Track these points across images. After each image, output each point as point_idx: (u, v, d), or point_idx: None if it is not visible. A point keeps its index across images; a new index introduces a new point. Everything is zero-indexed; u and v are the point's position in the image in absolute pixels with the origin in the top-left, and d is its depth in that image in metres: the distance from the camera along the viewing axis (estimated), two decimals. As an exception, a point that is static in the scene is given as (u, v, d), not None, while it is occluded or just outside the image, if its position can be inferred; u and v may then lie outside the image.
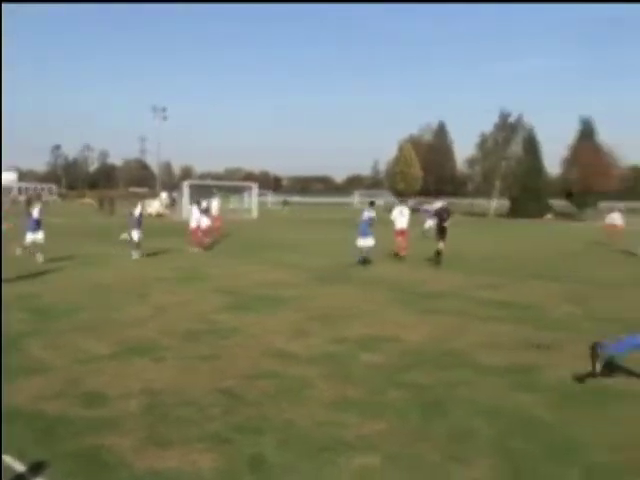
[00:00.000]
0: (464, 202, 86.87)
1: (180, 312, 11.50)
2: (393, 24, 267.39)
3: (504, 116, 78.85)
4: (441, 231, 20.51)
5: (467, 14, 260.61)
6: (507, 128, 78.53)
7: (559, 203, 75.01)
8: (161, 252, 22.10)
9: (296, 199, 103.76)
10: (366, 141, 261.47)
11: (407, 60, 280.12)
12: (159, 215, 53.68)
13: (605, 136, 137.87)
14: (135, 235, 20.81)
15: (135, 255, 20.36)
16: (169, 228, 35.31)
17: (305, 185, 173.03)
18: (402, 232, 21.79)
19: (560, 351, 9.13)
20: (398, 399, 6.86)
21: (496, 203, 77.27)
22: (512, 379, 7.67)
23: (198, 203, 25.53)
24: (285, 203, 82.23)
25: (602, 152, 72.81)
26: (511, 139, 78.20)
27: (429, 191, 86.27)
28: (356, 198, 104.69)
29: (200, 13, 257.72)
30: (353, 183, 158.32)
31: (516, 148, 77.85)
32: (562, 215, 70.13)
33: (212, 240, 26.10)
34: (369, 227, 20.02)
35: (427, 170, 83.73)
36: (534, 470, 5.24)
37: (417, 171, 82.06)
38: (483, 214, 74.22)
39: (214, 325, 10.45)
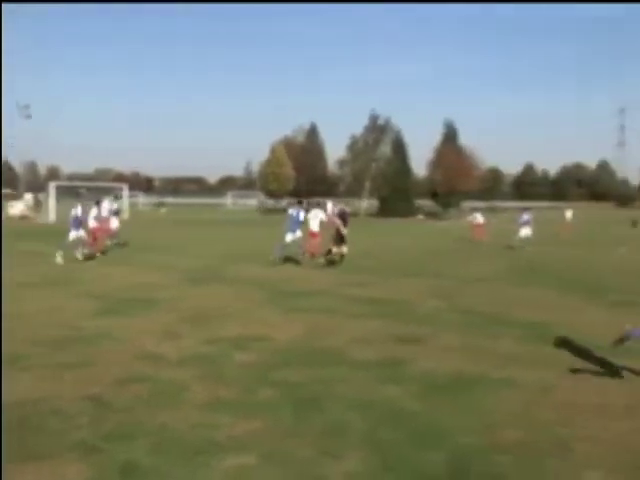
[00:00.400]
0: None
1: (46, 319, 10.96)
2: (267, 24, 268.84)
3: (374, 118, 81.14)
4: (341, 236, 20.29)
5: (342, 17, 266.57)
6: (376, 130, 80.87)
7: (426, 203, 78.30)
8: (26, 256, 20.96)
9: (169, 200, 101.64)
10: (239, 142, 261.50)
11: (281, 61, 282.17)
12: (23, 217, 50.93)
13: (467, 139, 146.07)
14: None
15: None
16: (35, 231, 33.60)
17: (178, 186, 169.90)
18: (314, 234, 21.49)
19: (426, 344, 9.53)
20: (271, 397, 6.89)
21: (366, 203, 79.36)
22: (382, 373, 7.91)
23: (98, 203, 23.47)
24: (160, 204, 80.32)
25: (464, 155, 76.70)
26: (380, 141, 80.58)
27: (301, 191, 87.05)
28: (229, 199, 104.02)
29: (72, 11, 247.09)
30: (226, 184, 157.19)
31: (385, 150, 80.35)
32: (430, 215, 73.13)
33: (105, 244, 24.39)
34: (298, 224, 20.47)
35: (299, 171, 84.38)
36: (402, 458, 5.43)
37: (289, 172, 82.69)
38: (354, 214, 75.84)
39: (82, 331, 10.03)
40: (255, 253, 23.20)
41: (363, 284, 16.07)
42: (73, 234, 20.12)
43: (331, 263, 20.01)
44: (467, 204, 79.99)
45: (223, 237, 34.24)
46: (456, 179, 71.93)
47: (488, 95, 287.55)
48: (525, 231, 29.41)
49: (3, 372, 7.65)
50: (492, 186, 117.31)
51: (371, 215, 73.10)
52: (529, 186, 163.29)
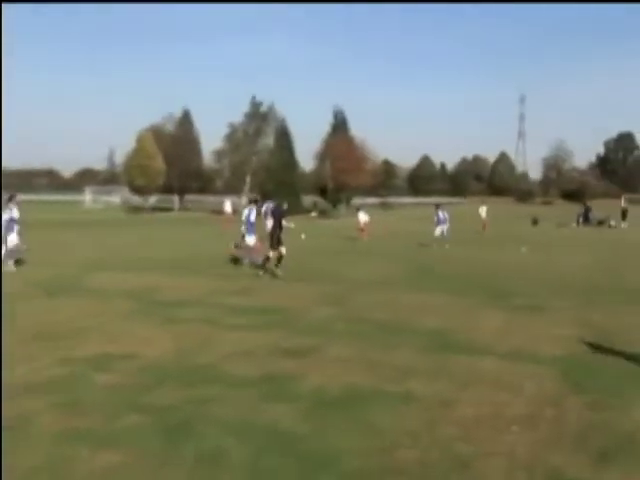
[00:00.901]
0: (212, 200, 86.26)
1: None
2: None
3: (255, 105, 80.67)
4: (278, 236, 19.82)
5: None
6: (258, 118, 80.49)
7: (313, 200, 78.91)
8: None
9: (19, 197, 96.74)
10: (99, 129, 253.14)
11: (144, 36, 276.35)
12: None
13: (358, 130, 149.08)
14: None
15: None
16: None
17: (26, 180, 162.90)
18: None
19: (315, 356, 9.58)
20: (137, 424, 6.70)
21: (247, 200, 78.83)
22: (265, 390, 7.88)
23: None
24: (11, 198, 76.54)
25: (354, 146, 78.04)
26: (262, 130, 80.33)
27: (172, 187, 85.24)
28: (88, 195, 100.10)
29: None
30: (84, 178, 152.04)
31: (268, 140, 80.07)
32: (322, 212, 73.99)
33: None
34: (251, 225, 21.22)
35: (170, 163, 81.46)
36: (289, 487, 5.42)
37: (159, 164, 79.36)
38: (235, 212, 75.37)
39: None
40: (121, 259, 22.60)
41: (245, 291, 16.01)
42: None
43: (274, 276, 19.28)
44: (358, 200, 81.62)
45: (82, 240, 33.15)
46: (346, 173, 72.98)
47: (381, 83, 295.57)
48: (440, 228, 31.49)
49: None
50: (385, 180, 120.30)
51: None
52: (425, 180, 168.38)
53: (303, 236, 31.72)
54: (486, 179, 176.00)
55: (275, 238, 19.75)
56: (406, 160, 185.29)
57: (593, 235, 42.09)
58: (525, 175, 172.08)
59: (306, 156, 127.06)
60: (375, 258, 25.31)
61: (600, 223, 55.08)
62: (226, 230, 39.42)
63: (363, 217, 36.36)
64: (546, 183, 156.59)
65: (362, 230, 35.70)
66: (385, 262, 23.68)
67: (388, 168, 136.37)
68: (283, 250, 19.72)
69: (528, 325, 12.15)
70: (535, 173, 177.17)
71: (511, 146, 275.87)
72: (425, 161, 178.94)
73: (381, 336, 11.02)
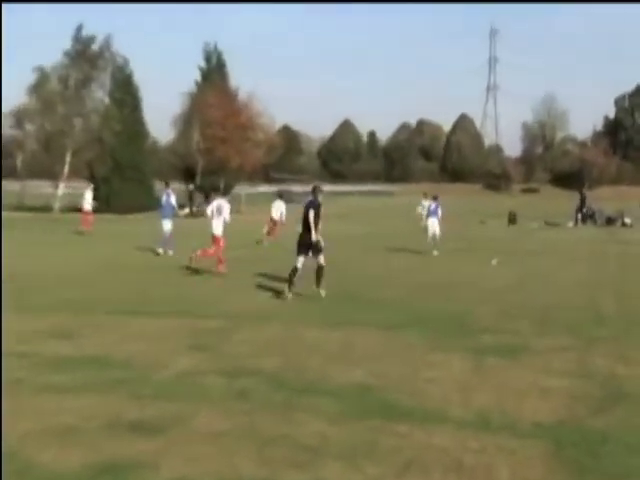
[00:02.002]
0: (14, 187, 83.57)
1: None
2: None
3: (82, 41, 77.55)
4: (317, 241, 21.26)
5: None
6: (86, 59, 77.11)
7: (189, 188, 77.69)
8: None
9: None
10: None
11: None
12: None
13: (243, 81, 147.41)
14: None
15: None
16: None
17: None
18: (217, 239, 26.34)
19: (173, 434, 9.47)
20: None
21: (62, 190, 75.67)
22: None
23: None
24: None
25: (237, 104, 78.00)
26: (92, 78, 77.61)
27: None
28: None
29: None
30: None
31: (101, 94, 78.04)
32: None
33: None
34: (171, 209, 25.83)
35: None
36: None
37: None
38: (46, 207, 73.53)
39: None
40: None
41: (69, 332, 15.76)
42: None
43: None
44: (244, 189, 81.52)
45: None
46: (224, 146, 72.21)
47: (279, 10, 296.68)
48: (433, 228, 34.45)
49: None
50: (285, 158, 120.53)
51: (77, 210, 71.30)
52: (345, 158, 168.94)
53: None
54: (439, 156, 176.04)
55: (308, 243, 21.29)
56: (318, 127, 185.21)
57: (598, 239, 43.37)
58: (497, 150, 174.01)
59: (162, 122, 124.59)
60: (266, 274, 25.36)
61: (610, 221, 56.14)
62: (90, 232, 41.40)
63: (278, 209, 38.74)
64: (529, 162, 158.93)
65: (271, 229, 37.89)
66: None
67: (290, 139, 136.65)
68: (322, 260, 21.24)
69: (502, 375, 12.37)
70: (512, 147, 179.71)
71: (476, 106, 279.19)
72: (345, 129, 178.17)
73: (276, 396, 11.02)
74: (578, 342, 14.97)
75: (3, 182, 79.83)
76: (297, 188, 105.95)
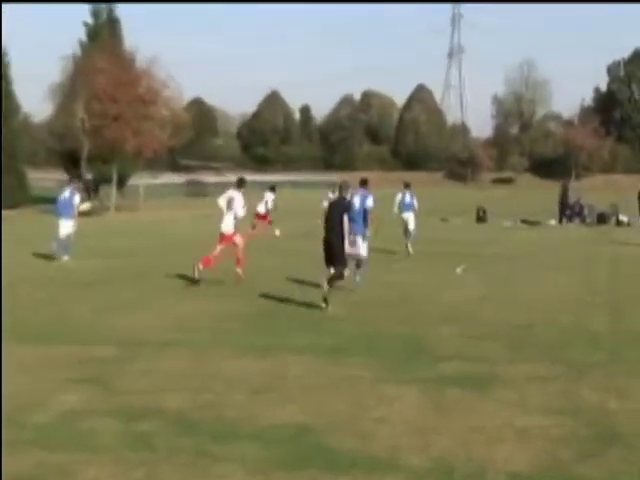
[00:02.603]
0: None
1: None
2: None
3: None
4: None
5: None
6: None
7: (88, 176, 76.98)
8: None
9: None
10: None
11: None
12: None
13: (141, 42, 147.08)
14: None
15: None
16: None
17: None
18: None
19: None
20: None
21: None
22: None
23: None
24: None
25: (134, 71, 77.24)
26: None
27: None
28: None
29: None
30: None
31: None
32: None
33: None
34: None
35: None
36: None
37: None
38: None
39: None
40: None
41: None
42: None
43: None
44: (143, 180, 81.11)
45: None
46: (118, 122, 71.50)
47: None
48: (409, 224, 36.20)
49: None
50: (199, 140, 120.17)
51: None
52: (271, 140, 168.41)
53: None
54: (389, 138, 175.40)
55: (336, 250, 22.36)
56: (238, 101, 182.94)
57: (588, 241, 43.75)
58: (463, 130, 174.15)
59: (36, 93, 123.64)
60: (169, 286, 25.55)
61: (602, 219, 56.52)
62: None
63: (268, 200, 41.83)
64: (501, 145, 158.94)
65: (259, 224, 41.06)
66: (208, 296, 23.91)
67: (203, 116, 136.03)
68: (346, 272, 22.51)
69: (468, 413, 12.45)
70: (482, 126, 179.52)
71: (436, 75, 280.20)
72: (271, 104, 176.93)
73: (185, 442, 11.01)
74: (561, 370, 15.12)
75: None
76: (211, 178, 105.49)
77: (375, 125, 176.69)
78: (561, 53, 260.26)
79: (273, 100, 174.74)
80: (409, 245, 35.78)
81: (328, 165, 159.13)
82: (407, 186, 37.92)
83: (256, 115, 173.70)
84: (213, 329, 19.32)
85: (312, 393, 13.56)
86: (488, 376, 14.63)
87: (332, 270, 22.17)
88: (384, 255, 34.24)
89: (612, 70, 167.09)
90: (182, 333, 18.72)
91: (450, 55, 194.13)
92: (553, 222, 55.73)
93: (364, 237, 25.41)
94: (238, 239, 26.92)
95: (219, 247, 27.08)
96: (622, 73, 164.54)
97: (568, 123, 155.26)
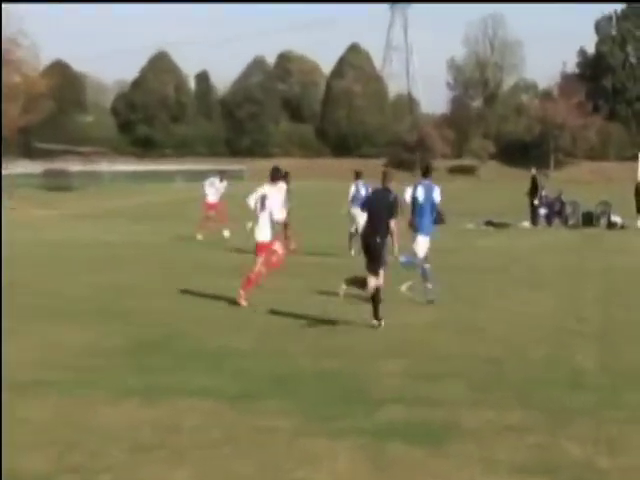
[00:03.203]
0: None
1: None
2: None
3: None
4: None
5: None
6: None
7: None
8: None
9: None
10: None
11: None
12: None
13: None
14: None
15: None
16: None
17: None
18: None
19: None
20: None
21: None
22: None
23: None
24: None
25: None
26: None
27: None
28: None
29: None
30: None
31: None
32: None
33: None
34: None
35: None
36: None
37: None
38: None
39: None
40: None
41: None
42: None
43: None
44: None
45: None
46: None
47: None
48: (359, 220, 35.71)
49: None
50: (60, 117, 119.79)
51: None
52: (160, 118, 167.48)
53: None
54: (314, 114, 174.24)
55: (374, 254, 24.05)
56: (114, 66, 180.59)
57: (571, 249, 44.23)
58: (410, 104, 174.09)
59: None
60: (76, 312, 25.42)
61: (590, 220, 56.72)
62: None
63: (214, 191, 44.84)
64: (460, 124, 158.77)
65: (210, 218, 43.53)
66: (88, 322, 23.85)
67: (67, 85, 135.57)
68: (381, 280, 24.18)
69: (414, 473, 12.45)
70: (434, 100, 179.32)
71: (375, 32, 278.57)
72: (157, 69, 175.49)
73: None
74: (537, 417, 15.18)
75: None
76: (77, 167, 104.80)
77: (295, 97, 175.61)
78: (536, 6, 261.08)
79: (160, 64, 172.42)
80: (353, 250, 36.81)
81: (234, 150, 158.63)
82: (358, 176, 39.47)
83: (137, 84, 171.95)
84: (85, 366, 19.25)
85: (211, 451, 13.44)
86: (443, 426, 14.61)
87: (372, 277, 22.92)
88: (315, 266, 34.46)
89: (601, 27, 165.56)
90: (48, 371, 18.60)
91: (392, 5, 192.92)
92: (526, 224, 56.09)
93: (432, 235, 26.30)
94: (278, 246, 27.29)
95: (258, 260, 27.40)
96: (614, 31, 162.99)
97: (545, 95, 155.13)
